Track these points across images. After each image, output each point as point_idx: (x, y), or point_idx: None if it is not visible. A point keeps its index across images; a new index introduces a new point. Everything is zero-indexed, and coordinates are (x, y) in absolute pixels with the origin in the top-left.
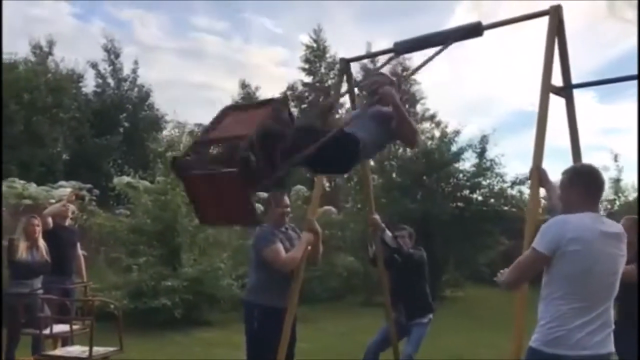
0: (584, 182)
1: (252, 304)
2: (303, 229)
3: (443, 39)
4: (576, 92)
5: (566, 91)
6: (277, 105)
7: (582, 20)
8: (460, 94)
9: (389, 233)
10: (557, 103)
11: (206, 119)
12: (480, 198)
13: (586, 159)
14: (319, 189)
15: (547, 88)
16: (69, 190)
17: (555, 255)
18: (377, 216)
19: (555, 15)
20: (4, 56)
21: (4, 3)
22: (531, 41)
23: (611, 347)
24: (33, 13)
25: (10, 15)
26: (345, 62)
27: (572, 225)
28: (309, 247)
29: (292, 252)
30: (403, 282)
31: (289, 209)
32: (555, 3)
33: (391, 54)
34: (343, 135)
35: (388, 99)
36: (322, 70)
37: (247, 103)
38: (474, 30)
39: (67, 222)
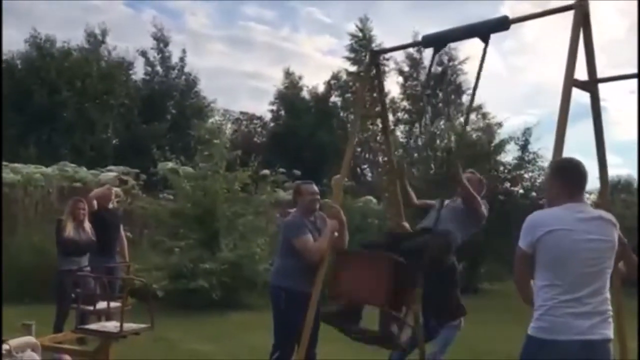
0: (564, 176)
1: (279, 287)
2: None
3: (470, 33)
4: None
5: (591, 86)
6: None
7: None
8: (514, 84)
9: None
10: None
11: (253, 107)
12: (521, 191)
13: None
14: (343, 177)
15: (570, 82)
16: (113, 174)
17: (535, 248)
18: (406, 224)
19: (580, 10)
20: (60, 44)
21: None
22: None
23: (606, 333)
24: (90, 3)
25: (69, 7)
26: (374, 54)
27: (543, 219)
28: (335, 234)
29: (319, 242)
30: (434, 287)
31: (318, 196)
32: None
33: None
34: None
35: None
36: (367, 59)
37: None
38: (500, 25)
39: (112, 205)
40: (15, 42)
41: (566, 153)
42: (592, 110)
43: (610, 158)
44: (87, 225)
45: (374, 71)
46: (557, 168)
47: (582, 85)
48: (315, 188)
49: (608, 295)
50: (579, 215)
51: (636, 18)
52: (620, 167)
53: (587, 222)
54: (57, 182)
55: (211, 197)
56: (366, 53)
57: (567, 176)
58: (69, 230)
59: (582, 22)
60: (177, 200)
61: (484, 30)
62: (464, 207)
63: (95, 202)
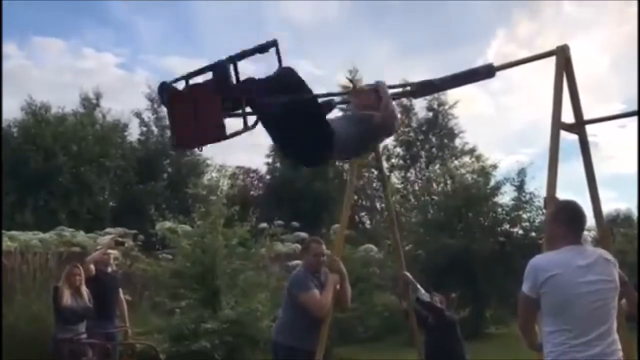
0: (566, 218)
1: (282, 345)
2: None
3: (456, 82)
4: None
5: (578, 128)
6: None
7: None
8: (505, 124)
9: (421, 289)
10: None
11: (249, 161)
12: (521, 232)
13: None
14: (343, 229)
15: (558, 126)
16: (110, 237)
17: (538, 294)
18: (407, 273)
19: (562, 55)
20: (55, 109)
21: None
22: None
23: None
24: (81, 66)
25: (61, 70)
26: None
27: (544, 263)
28: (337, 288)
29: (323, 298)
30: (437, 341)
31: (324, 258)
32: (562, 43)
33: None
34: (318, 111)
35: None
36: None
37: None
38: (486, 73)
39: (110, 268)
40: (12, 110)
41: (558, 191)
42: (581, 152)
43: (605, 192)
44: (84, 290)
45: None
46: (563, 209)
47: (569, 128)
48: (323, 248)
49: (616, 336)
50: (580, 258)
51: (617, 52)
52: (616, 201)
53: (589, 265)
54: (55, 248)
55: (210, 255)
56: None
57: (566, 219)
58: (66, 298)
59: (565, 67)
60: (176, 260)
61: (472, 80)
62: None
63: (92, 267)
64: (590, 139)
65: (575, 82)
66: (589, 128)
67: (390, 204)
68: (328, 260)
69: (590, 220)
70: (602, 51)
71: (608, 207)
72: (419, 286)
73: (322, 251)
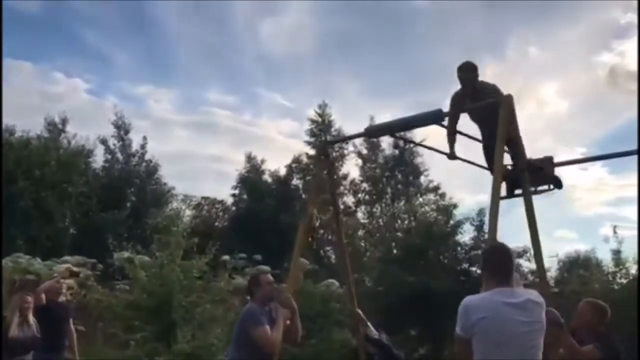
0: (489, 262)
1: None
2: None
3: (408, 125)
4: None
5: (521, 172)
6: None
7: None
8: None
9: (370, 326)
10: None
11: (215, 191)
12: (479, 271)
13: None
14: (297, 265)
15: (500, 169)
16: (65, 266)
17: (471, 334)
18: (359, 310)
19: (507, 103)
20: (20, 133)
21: None
22: (533, 110)
23: None
24: (50, 90)
25: (27, 93)
26: (323, 145)
27: (475, 304)
28: (287, 322)
29: (274, 332)
30: None
31: (274, 285)
32: (507, 93)
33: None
34: None
35: None
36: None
37: None
38: (435, 117)
39: (62, 298)
40: None
41: (523, 230)
42: (523, 194)
43: (566, 233)
44: (32, 319)
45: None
46: (486, 255)
47: (511, 172)
48: (271, 278)
49: None
50: (509, 299)
51: (580, 98)
52: (577, 242)
53: (516, 306)
54: (9, 275)
55: (167, 287)
56: (325, 137)
57: (493, 262)
58: (13, 329)
59: (510, 115)
60: (132, 291)
61: (422, 123)
62: None
63: (43, 296)
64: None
65: (518, 129)
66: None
67: (342, 241)
68: (280, 295)
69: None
70: (565, 95)
71: (568, 248)
72: (369, 323)
73: (272, 280)
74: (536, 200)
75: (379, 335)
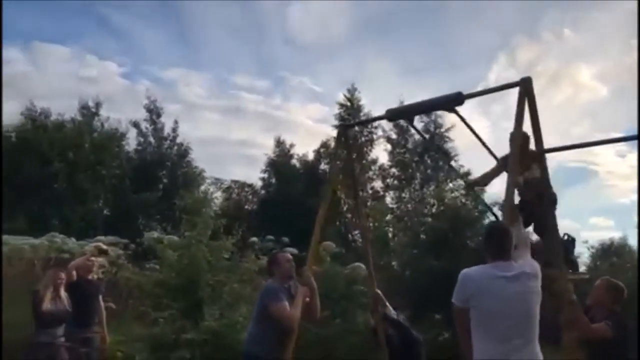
0: (488, 239)
1: (253, 354)
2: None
3: (428, 108)
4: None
5: (539, 156)
6: None
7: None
8: (503, 149)
9: (390, 308)
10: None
11: (244, 175)
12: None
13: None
14: (316, 244)
15: (517, 152)
16: (95, 245)
17: (468, 304)
18: (378, 291)
19: (525, 87)
20: (55, 116)
21: None
22: (570, 94)
23: None
24: (84, 74)
25: (63, 77)
26: (343, 128)
27: (471, 276)
28: (307, 300)
29: (293, 309)
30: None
31: (293, 263)
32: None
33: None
34: None
35: None
36: (356, 128)
37: None
38: (455, 100)
39: (93, 276)
40: (11, 115)
41: (558, 218)
42: (542, 179)
43: (601, 221)
44: (63, 294)
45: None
46: (486, 232)
47: (530, 156)
48: (290, 255)
49: (537, 344)
50: (503, 272)
51: (618, 82)
52: (612, 230)
53: (510, 279)
54: (45, 254)
55: (195, 267)
56: (354, 121)
57: (489, 239)
58: (46, 302)
59: (528, 98)
60: (162, 270)
61: (442, 106)
62: None
63: (74, 273)
64: (590, 167)
65: (537, 113)
66: (589, 157)
67: (364, 223)
68: (302, 274)
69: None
70: (603, 80)
71: (603, 235)
72: (387, 304)
73: (290, 257)
74: (571, 187)
75: (397, 316)
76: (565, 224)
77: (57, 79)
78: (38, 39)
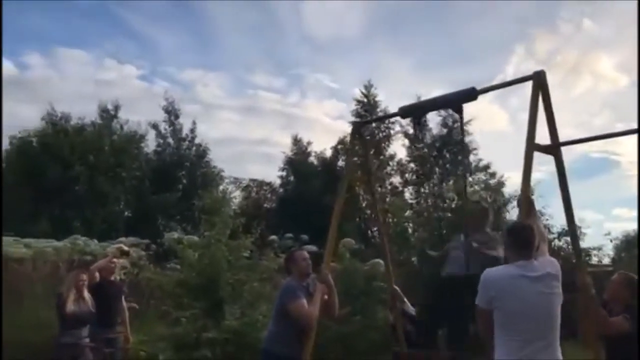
0: (511, 238)
1: (272, 353)
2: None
3: (441, 104)
4: None
5: (554, 149)
6: None
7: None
8: (522, 141)
9: (408, 304)
10: None
11: (263, 173)
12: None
13: None
14: (332, 240)
15: (532, 146)
16: (116, 246)
17: (491, 305)
18: (396, 287)
19: (538, 80)
20: (75, 120)
21: None
22: (590, 85)
23: None
24: (103, 77)
25: (83, 81)
26: (357, 125)
27: (494, 277)
28: (325, 297)
29: (311, 307)
30: None
31: (310, 261)
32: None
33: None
34: None
35: None
36: (373, 124)
37: None
38: (469, 96)
39: (115, 277)
40: (32, 120)
41: (579, 207)
42: (557, 173)
43: (625, 212)
44: (87, 295)
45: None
46: (508, 231)
47: (545, 149)
48: (306, 253)
49: (558, 346)
50: (526, 272)
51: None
52: (636, 221)
53: (534, 279)
54: (68, 256)
55: (214, 266)
56: (371, 117)
57: (515, 238)
58: (70, 304)
59: (542, 91)
60: (182, 270)
61: (455, 102)
62: None
63: (97, 274)
64: (612, 157)
65: (551, 107)
66: (611, 147)
67: (381, 219)
68: (320, 272)
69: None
70: (624, 70)
71: (625, 226)
72: (405, 300)
73: (307, 255)
74: (594, 178)
75: (415, 312)
76: (587, 215)
77: (76, 83)
78: (58, 44)
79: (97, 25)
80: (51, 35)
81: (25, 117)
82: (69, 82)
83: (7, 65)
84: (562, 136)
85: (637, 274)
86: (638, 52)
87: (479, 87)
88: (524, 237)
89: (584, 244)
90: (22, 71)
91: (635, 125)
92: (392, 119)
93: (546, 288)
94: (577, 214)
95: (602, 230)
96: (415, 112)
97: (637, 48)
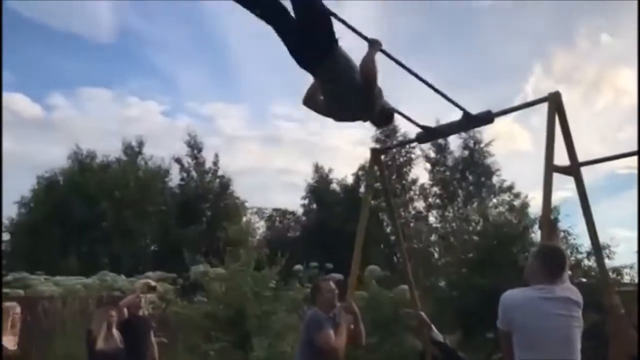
0: (543, 259)
1: None
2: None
3: (458, 129)
4: None
5: (573, 170)
6: None
7: None
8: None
9: (434, 329)
10: None
11: (286, 202)
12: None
13: None
14: (356, 268)
15: (550, 168)
16: (144, 281)
17: (510, 328)
18: (422, 313)
19: (554, 101)
20: (100, 158)
21: None
22: (611, 100)
23: None
24: (126, 114)
25: (107, 119)
26: (376, 153)
27: (513, 300)
28: (351, 327)
29: (338, 338)
30: None
31: (336, 292)
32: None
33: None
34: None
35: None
36: (393, 150)
37: None
38: (485, 119)
39: (143, 312)
40: (59, 159)
41: (607, 225)
42: (578, 193)
43: None
44: (116, 332)
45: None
46: (540, 252)
47: (564, 171)
48: (333, 285)
49: None
50: (547, 295)
51: None
52: None
53: (553, 301)
54: (97, 292)
55: (241, 298)
56: (391, 142)
57: (547, 261)
58: (99, 341)
59: (557, 112)
60: (210, 303)
61: (471, 125)
62: None
63: (125, 310)
64: (634, 172)
65: (568, 127)
66: (630, 161)
67: (402, 245)
68: (345, 302)
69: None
70: None
71: None
72: (432, 326)
73: (333, 287)
74: (621, 194)
75: (443, 339)
76: (618, 233)
77: (101, 121)
78: (81, 84)
79: (119, 64)
80: (75, 75)
81: (52, 157)
82: (93, 121)
83: (34, 108)
84: (588, 152)
85: (638, 283)
86: (638, 53)
87: (499, 107)
88: (556, 261)
89: (614, 262)
90: (48, 113)
91: None
92: (414, 143)
93: (565, 311)
94: (607, 232)
95: (633, 248)
96: (433, 136)
97: (637, 48)
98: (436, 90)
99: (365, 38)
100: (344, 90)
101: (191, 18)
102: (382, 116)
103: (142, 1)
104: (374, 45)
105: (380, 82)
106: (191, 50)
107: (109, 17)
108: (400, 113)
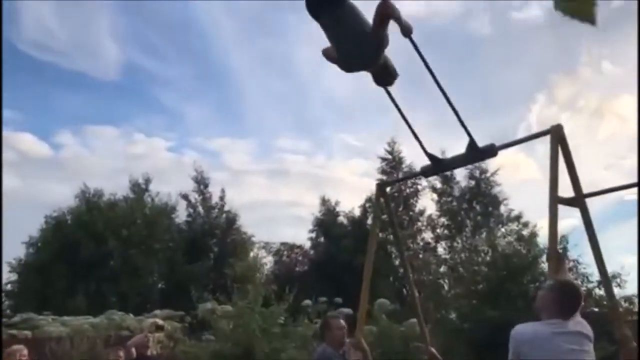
0: (560, 295)
1: None
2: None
3: (462, 162)
4: None
5: (578, 201)
6: None
7: None
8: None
9: None
10: None
11: (293, 235)
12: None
13: None
14: (364, 303)
15: (555, 200)
16: (152, 320)
17: None
18: (432, 348)
19: (557, 134)
20: (107, 196)
21: None
22: (615, 127)
23: None
24: (133, 151)
25: (113, 156)
26: (380, 187)
27: (523, 334)
28: None
29: None
30: None
31: (345, 328)
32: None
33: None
34: None
35: None
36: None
37: None
38: (489, 152)
39: (151, 351)
40: (67, 198)
41: (616, 252)
42: (584, 224)
43: None
44: None
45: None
46: (557, 286)
47: (568, 202)
48: (342, 322)
49: None
50: (559, 330)
51: None
52: None
53: (565, 335)
54: (105, 332)
55: (249, 335)
56: (397, 174)
57: (563, 297)
58: None
59: (560, 144)
60: (217, 341)
61: (475, 159)
62: None
63: (133, 350)
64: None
65: (572, 159)
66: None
67: (409, 275)
68: (354, 338)
69: None
70: None
71: None
72: None
73: (343, 325)
74: (629, 221)
75: None
76: (628, 260)
77: (107, 159)
78: (88, 122)
79: (125, 101)
80: (81, 113)
81: (59, 195)
82: (100, 158)
83: (41, 146)
84: (593, 179)
85: (638, 293)
86: (638, 53)
87: (503, 136)
88: (573, 300)
89: (626, 291)
90: (55, 151)
91: None
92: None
93: (577, 345)
94: (616, 260)
95: None
96: (438, 170)
97: (637, 48)
98: (455, 113)
99: None
100: (351, 33)
101: (196, 54)
102: (386, 71)
103: (147, 38)
104: None
105: (380, 119)
106: (197, 86)
107: (115, 54)
108: (414, 134)
